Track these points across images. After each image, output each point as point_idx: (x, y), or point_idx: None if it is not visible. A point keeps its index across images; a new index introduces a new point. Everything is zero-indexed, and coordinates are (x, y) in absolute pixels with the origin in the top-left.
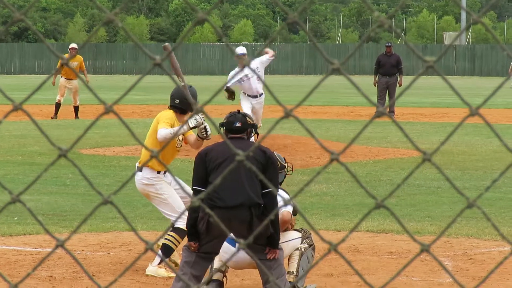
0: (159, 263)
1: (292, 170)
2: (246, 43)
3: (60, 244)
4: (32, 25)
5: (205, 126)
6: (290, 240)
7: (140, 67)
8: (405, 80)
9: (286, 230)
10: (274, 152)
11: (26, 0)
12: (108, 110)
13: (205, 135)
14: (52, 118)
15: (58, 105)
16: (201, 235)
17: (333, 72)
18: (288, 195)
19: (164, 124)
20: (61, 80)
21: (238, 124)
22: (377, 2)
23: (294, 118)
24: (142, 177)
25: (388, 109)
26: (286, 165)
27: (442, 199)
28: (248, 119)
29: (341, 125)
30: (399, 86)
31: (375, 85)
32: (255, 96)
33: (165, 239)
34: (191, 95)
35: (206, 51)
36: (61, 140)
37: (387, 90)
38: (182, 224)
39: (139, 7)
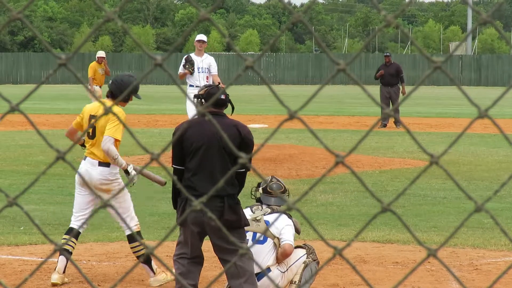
0: (153, 271)
1: (288, 195)
2: (252, 52)
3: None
4: (31, 26)
5: (132, 179)
6: (298, 260)
7: (146, 76)
8: (410, 90)
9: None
10: (274, 177)
11: (32, 10)
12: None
13: (131, 181)
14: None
15: None
16: (180, 223)
17: (338, 72)
18: (292, 223)
19: (116, 136)
20: (97, 89)
21: (222, 96)
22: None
23: (299, 122)
24: (109, 172)
25: (394, 119)
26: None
27: (448, 210)
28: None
29: (347, 135)
30: (403, 95)
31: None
32: (197, 86)
33: (135, 252)
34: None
35: None
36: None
37: (389, 100)
38: (130, 230)
39: (145, 17)
